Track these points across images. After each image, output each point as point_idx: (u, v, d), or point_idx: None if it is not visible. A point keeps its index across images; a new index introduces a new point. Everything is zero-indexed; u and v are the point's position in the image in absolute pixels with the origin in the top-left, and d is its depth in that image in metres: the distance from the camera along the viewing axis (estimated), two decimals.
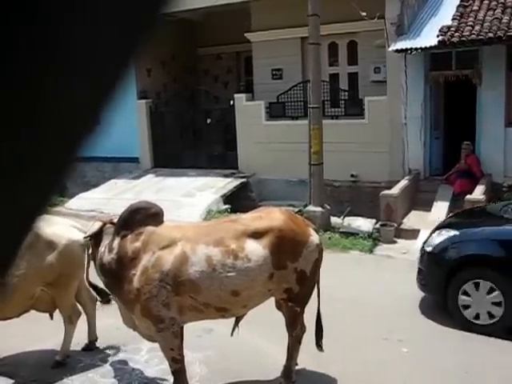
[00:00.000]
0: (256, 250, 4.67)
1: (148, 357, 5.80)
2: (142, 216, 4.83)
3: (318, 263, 5.07)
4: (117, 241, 4.79)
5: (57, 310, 5.81)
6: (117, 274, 4.73)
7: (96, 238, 5.05)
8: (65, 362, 5.76)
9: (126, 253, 4.70)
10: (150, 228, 4.77)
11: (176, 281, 4.56)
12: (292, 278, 4.84)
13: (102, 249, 4.90)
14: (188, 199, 13.17)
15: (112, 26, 0.53)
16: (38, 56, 0.51)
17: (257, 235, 4.74)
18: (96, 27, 0.53)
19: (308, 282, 4.97)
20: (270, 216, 4.97)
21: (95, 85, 0.56)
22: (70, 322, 5.79)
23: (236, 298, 4.66)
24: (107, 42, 0.54)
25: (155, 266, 4.59)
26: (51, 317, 5.87)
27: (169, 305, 4.59)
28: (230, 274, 4.58)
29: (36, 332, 6.15)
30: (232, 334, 5.15)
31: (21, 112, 0.53)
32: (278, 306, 5.20)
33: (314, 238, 5.05)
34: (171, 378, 4.96)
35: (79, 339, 5.98)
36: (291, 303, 4.96)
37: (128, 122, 15.59)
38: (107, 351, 6.04)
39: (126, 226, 4.81)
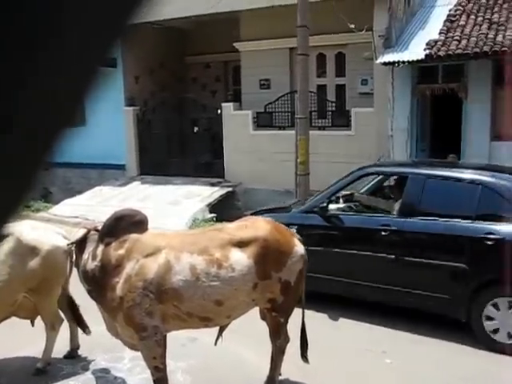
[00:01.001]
0: (240, 259, 4.66)
1: (130, 365, 5.75)
2: (127, 223, 4.80)
3: (302, 274, 5.06)
4: (100, 248, 4.75)
5: (38, 317, 5.76)
6: (100, 281, 4.69)
7: (80, 245, 5.02)
8: (46, 369, 5.69)
9: (109, 260, 4.67)
10: (134, 235, 4.74)
11: (159, 289, 4.53)
12: (276, 288, 4.83)
13: (85, 256, 4.87)
14: (174, 207, 13.14)
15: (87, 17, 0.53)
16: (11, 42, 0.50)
17: (241, 245, 4.72)
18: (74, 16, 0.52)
19: (292, 292, 4.96)
20: (255, 225, 4.96)
21: (70, 77, 0.55)
22: (53, 328, 5.74)
23: (219, 307, 4.64)
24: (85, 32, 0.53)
25: (139, 273, 4.56)
26: (32, 324, 5.82)
27: (152, 313, 4.56)
28: (213, 284, 4.55)
29: (17, 339, 6.08)
30: (216, 344, 5.13)
31: None
32: (263, 316, 5.19)
33: (299, 248, 5.04)
34: None
35: (61, 347, 5.92)
36: (275, 313, 4.95)
37: (115, 129, 15.63)
38: (89, 359, 5.99)
39: (110, 234, 4.78)
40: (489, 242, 6.30)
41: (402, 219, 6.97)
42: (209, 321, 4.77)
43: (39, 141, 0.56)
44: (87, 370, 5.76)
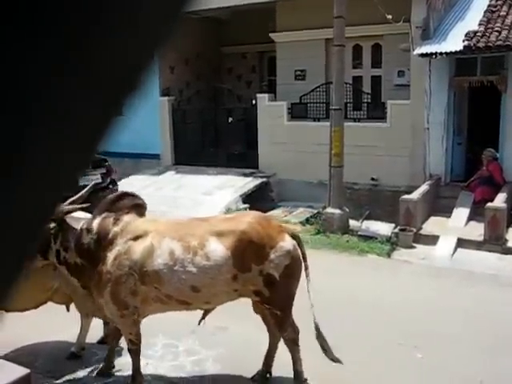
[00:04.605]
0: (217, 249, 4.75)
1: (162, 352, 5.83)
2: (128, 204, 5.07)
3: (290, 269, 4.94)
4: (97, 220, 4.96)
5: (73, 303, 5.86)
6: (95, 254, 4.90)
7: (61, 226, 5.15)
8: (80, 354, 5.81)
9: (106, 234, 4.90)
10: (130, 216, 4.98)
11: (142, 270, 4.76)
12: (258, 280, 4.83)
13: (78, 230, 5.02)
14: (207, 197, 13.21)
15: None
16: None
17: (220, 236, 4.82)
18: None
19: (280, 286, 4.89)
20: (240, 219, 5.08)
21: (126, 68, 0.55)
22: (87, 315, 5.84)
23: (196, 293, 4.78)
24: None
25: (127, 253, 4.80)
26: (67, 309, 5.93)
27: (136, 292, 4.79)
28: (188, 270, 4.71)
29: (52, 324, 6.22)
30: (199, 324, 5.22)
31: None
32: (255, 309, 5.24)
33: (285, 243, 4.95)
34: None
35: (94, 332, 6.03)
36: (267, 306, 4.97)
37: (150, 119, 15.75)
38: (122, 345, 6.08)
39: (110, 209, 5.00)
40: None
41: None
42: (187, 304, 4.93)
43: (92, 126, 0.56)
44: (120, 355, 5.85)
